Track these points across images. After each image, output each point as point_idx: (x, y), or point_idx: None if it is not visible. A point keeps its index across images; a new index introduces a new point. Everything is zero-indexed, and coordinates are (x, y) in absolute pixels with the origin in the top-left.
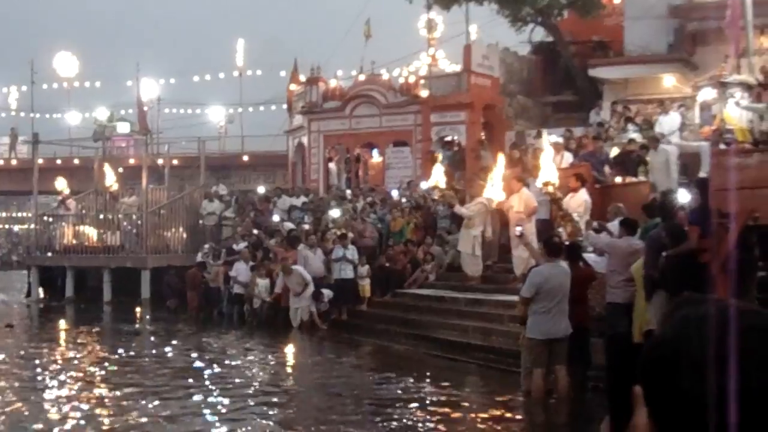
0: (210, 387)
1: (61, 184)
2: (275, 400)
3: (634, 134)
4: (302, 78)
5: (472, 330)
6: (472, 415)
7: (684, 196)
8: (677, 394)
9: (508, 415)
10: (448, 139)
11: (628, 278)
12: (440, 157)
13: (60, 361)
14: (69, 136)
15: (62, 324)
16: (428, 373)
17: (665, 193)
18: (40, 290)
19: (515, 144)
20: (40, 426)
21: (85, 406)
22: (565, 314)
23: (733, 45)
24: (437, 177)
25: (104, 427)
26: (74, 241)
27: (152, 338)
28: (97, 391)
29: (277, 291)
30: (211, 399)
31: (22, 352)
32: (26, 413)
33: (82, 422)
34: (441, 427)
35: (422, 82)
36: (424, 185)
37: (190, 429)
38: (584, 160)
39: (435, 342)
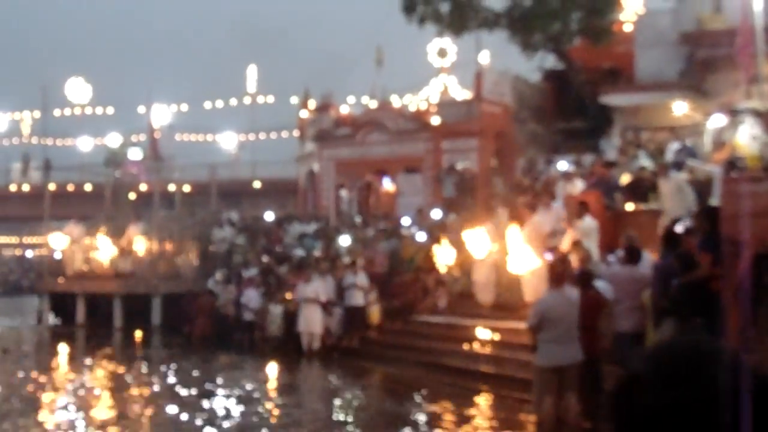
0: (225, 408)
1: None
2: (278, 423)
3: (644, 161)
4: (313, 105)
5: (483, 357)
6: None
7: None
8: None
9: None
10: (457, 166)
11: (633, 306)
12: (444, 186)
13: (58, 387)
14: (81, 162)
15: (69, 350)
16: (439, 401)
17: (673, 221)
18: (51, 316)
19: (526, 171)
20: None
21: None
22: (575, 341)
23: (743, 72)
24: (449, 253)
25: None
26: (85, 268)
27: (158, 365)
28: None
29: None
30: (216, 419)
31: (20, 377)
32: None
33: None
34: None
35: (433, 109)
36: (435, 213)
37: None
38: (595, 187)
39: (446, 369)
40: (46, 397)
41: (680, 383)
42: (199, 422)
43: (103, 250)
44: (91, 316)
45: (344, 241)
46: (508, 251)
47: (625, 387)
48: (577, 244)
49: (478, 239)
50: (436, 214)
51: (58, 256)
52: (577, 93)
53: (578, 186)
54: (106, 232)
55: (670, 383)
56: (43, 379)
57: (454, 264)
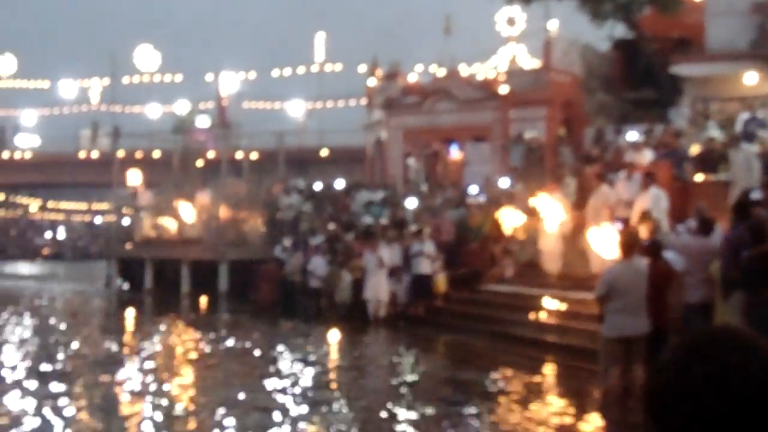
0: (285, 378)
1: (134, 177)
2: (346, 391)
3: (714, 132)
4: (381, 73)
5: (550, 327)
6: (548, 414)
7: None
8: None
9: (585, 414)
10: (525, 136)
11: (703, 278)
12: (512, 155)
13: (126, 351)
14: (149, 129)
15: (137, 314)
16: (505, 370)
17: (745, 192)
18: (119, 281)
19: (594, 141)
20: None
21: (156, 396)
22: (643, 312)
23: None
24: (516, 216)
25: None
26: (153, 234)
27: (224, 330)
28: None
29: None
30: (286, 389)
31: (98, 341)
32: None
33: (156, 412)
34: (516, 424)
35: (502, 77)
36: (503, 182)
37: (264, 419)
38: (664, 157)
39: (512, 339)
40: (115, 360)
41: (715, 384)
42: (266, 388)
43: (185, 213)
44: (158, 282)
45: (411, 203)
46: (576, 221)
47: (659, 390)
48: (646, 215)
49: (549, 206)
50: (504, 183)
51: (127, 222)
52: (647, 63)
53: (647, 156)
54: (176, 199)
55: (705, 385)
56: (111, 342)
57: (520, 227)
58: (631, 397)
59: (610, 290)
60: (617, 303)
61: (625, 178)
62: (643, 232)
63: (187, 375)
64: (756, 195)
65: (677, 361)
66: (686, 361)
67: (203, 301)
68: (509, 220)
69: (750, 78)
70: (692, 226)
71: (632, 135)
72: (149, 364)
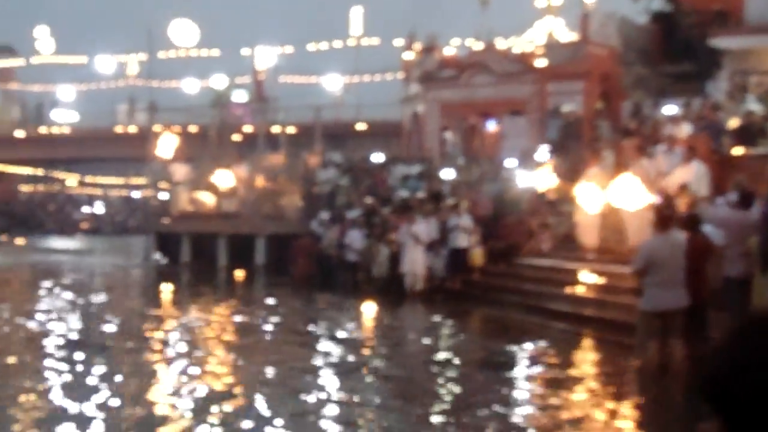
0: (321, 350)
1: (166, 145)
2: (385, 363)
3: (753, 105)
4: (418, 46)
5: (587, 301)
6: (584, 387)
7: None
8: (739, 403)
9: (621, 388)
10: (562, 109)
11: (742, 252)
12: (549, 129)
13: (164, 323)
14: (186, 103)
15: (174, 288)
16: (541, 344)
17: None
18: (157, 255)
19: (632, 114)
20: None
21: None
22: (681, 286)
23: None
24: (549, 178)
25: (217, 387)
26: (190, 208)
27: (261, 303)
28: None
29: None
30: (323, 359)
31: (135, 314)
32: (142, 373)
33: (196, 384)
34: (551, 397)
35: (539, 51)
36: (540, 155)
37: (301, 387)
38: (702, 131)
39: (549, 313)
40: (153, 333)
41: None
42: (302, 360)
43: (223, 180)
44: (196, 256)
45: (447, 174)
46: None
47: (715, 372)
48: (684, 188)
49: (587, 191)
50: (541, 156)
51: (164, 196)
52: (685, 36)
53: (685, 129)
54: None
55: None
56: (148, 315)
57: (555, 188)
58: (668, 372)
59: (648, 264)
60: (655, 277)
61: (666, 151)
62: (682, 205)
63: (223, 347)
64: None
65: (733, 342)
66: (742, 343)
67: (240, 274)
68: (545, 177)
69: None
70: (731, 199)
71: (670, 108)
72: (185, 337)
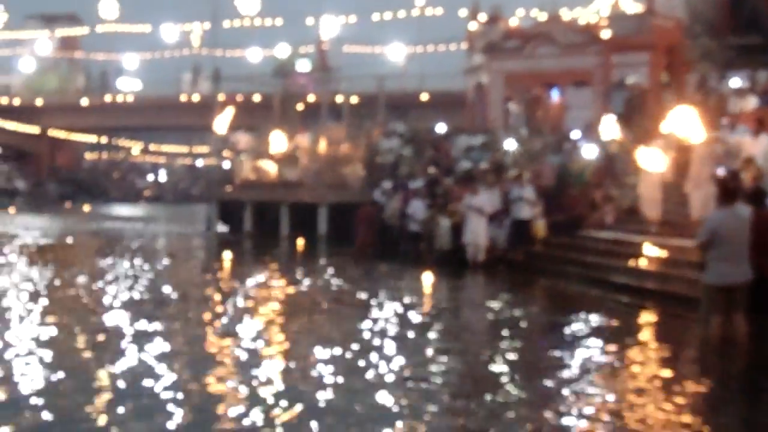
0: (382, 320)
1: (224, 118)
2: (444, 335)
3: None
4: (482, 17)
5: (650, 274)
6: (648, 361)
7: None
8: None
9: (683, 362)
10: (627, 81)
11: None
12: (613, 101)
13: (226, 290)
14: (250, 72)
15: (236, 256)
16: (604, 317)
17: None
18: (220, 223)
19: (698, 86)
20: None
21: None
22: (745, 260)
23: None
24: (611, 129)
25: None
26: (253, 176)
27: (323, 273)
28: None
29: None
30: (382, 331)
31: (196, 281)
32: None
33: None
34: (613, 368)
35: (604, 22)
36: (604, 127)
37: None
38: None
39: (611, 285)
40: (213, 300)
41: None
42: (361, 330)
43: (277, 143)
44: (258, 224)
45: (510, 145)
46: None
47: None
48: (749, 161)
49: (651, 154)
50: (607, 127)
51: (227, 165)
52: (753, 7)
53: (752, 102)
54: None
55: None
56: (209, 282)
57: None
58: (731, 346)
59: (712, 237)
60: (719, 251)
61: (727, 126)
62: (747, 178)
63: (282, 315)
64: None
65: None
66: None
67: (302, 243)
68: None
69: None
70: None
71: (735, 82)
72: (245, 304)
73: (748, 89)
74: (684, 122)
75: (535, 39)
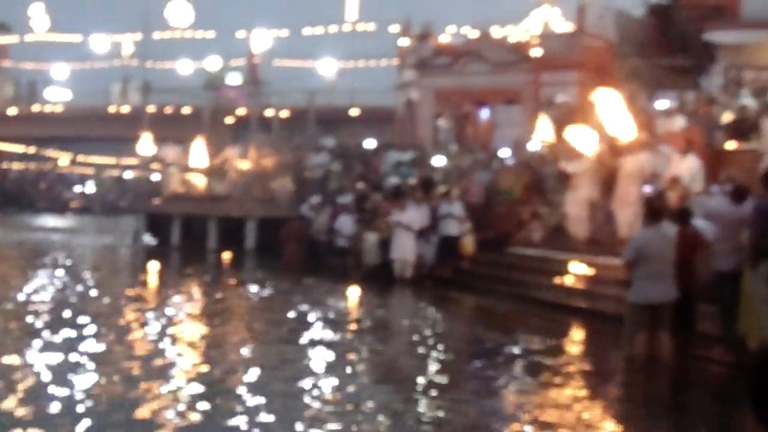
0: (306, 334)
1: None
2: (368, 350)
3: (747, 100)
4: (414, 33)
5: (576, 292)
6: (572, 378)
7: None
8: None
9: (609, 379)
10: (556, 100)
11: (735, 246)
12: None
13: (147, 304)
14: (180, 84)
15: (162, 269)
16: (530, 334)
17: None
18: (147, 236)
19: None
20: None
21: (176, 347)
22: (670, 279)
23: None
24: (546, 131)
25: (197, 367)
26: (181, 189)
27: (249, 287)
28: (187, 332)
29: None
30: (311, 341)
31: (121, 294)
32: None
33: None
34: (536, 385)
35: (534, 41)
36: (531, 145)
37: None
38: (696, 124)
39: (538, 302)
40: (136, 313)
41: None
42: (287, 344)
43: (199, 159)
44: (186, 237)
45: (439, 161)
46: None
47: (762, 365)
48: (675, 181)
49: (582, 134)
50: (534, 146)
51: (155, 177)
52: (681, 29)
53: (678, 123)
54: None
55: None
56: (135, 295)
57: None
58: (656, 364)
59: (638, 256)
60: (645, 269)
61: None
62: (673, 198)
63: (207, 330)
64: None
65: None
66: None
67: (229, 257)
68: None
69: None
70: (727, 189)
71: (662, 103)
72: (171, 319)
73: (676, 109)
74: (612, 115)
75: (465, 56)
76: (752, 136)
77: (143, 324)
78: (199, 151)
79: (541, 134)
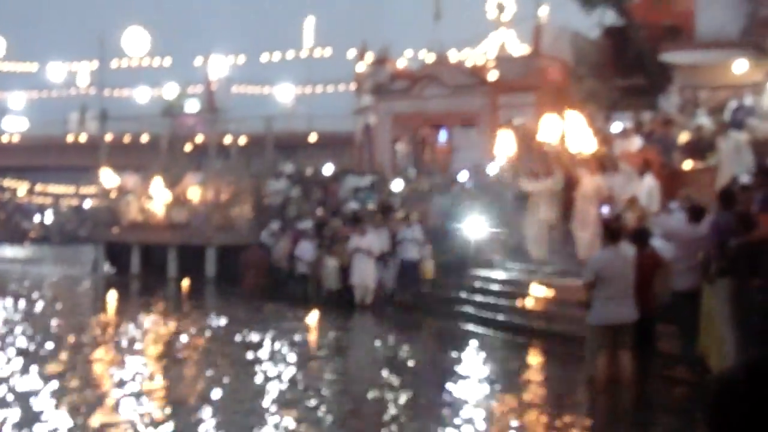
0: (270, 361)
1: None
2: (332, 376)
3: (703, 119)
4: (370, 58)
5: (537, 314)
6: (534, 400)
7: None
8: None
9: (571, 400)
10: (514, 122)
11: (693, 266)
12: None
13: (106, 333)
14: (137, 112)
15: (121, 298)
16: (491, 356)
17: (732, 180)
18: (107, 265)
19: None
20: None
21: (132, 375)
22: (630, 300)
23: None
24: (508, 147)
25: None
26: (140, 218)
27: (208, 315)
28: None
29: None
30: (272, 372)
31: (80, 324)
32: (79, 379)
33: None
34: (499, 409)
35: (491, 64)
36: (490, 167)
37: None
38: (653, 144)
39: (499, 325)
40: (95, 343)
41: None
42: (248, 372)
43: (158, 196)
44: (145, 266)
45: (397, 186)
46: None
47: (720, 393)
48: (633, 202)
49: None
50: (493, 168)
51: (114, 205)
52: (637, 50)
53: (635, 143)
54: (161, 182)
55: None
56: (94, 325)
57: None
58: (617, 384)
59: (597, 277)
60: (604, 290)
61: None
62: (631, 219)
63: (168, 359)
64: (744, 180)
65: (740, 380)
66: (749, 381)
67: (189, 285)
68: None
69: (739, 66)
70: (685, 206)
71: (617, 126)
72: (131, 348)
73: (633, 130)
74: (574, 132)
75: (422, 80)
76: (709, 156)
77: (99, 355)
78: (158, 183)
79: (503, 150)
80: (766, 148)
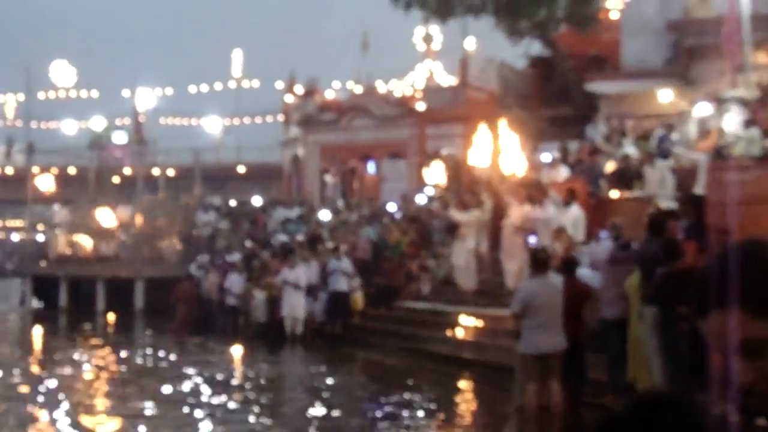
0: (197, 396)
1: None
2: (258, 408)
3: (629, 149)
4: (299, 90)
5: (466, 344)
6: (465, 429)
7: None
8: None
9: (501, 429)
10: (442, 153)
11: (620, 294)
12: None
13: (42, 370)
14: (65, 145)
15: (48, 333)
16: (420, 387)
17: (659, 208)
18: (34, 299)
19: None
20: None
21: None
22: (559, 328)
23: (729, 60)
24: (437, 175)
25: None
26: (68, 251)
27: (136, 349)
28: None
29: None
30: (197, 408)
31: (6, 360)
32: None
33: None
34: None
35: (419, 94)
36: (418, 198)
37: None
38: (579, 174)
39: (428, 356)
40: (22, 381)
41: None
42: (178, 406)
43: (104, 219)
44: (73, 300)
45: (324, 216)
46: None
47: (606, 427)
48: (560, 231)
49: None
50: (421, 198)
51: (41, 239)
52: (563, 80)
53: (562, 173)
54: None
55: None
56: (20, 361)
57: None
58: (547, 413)
59: (525, 307)
60: (533, 320)
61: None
62: (558, 248)
63: (96, 395)
64: (665, 211)
65: (627, 420)
66: (634, 421)
67: (117, 319)
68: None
69: (664, 95)
70: (614, 234)
71: (546, 156)
72: (57, 385)
73: (560, 160)
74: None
75: (350, 111)
76: (636, 184)
77: (24, 394)
78: (97, 215)
79: (433, 179)
80: (691, 176)
